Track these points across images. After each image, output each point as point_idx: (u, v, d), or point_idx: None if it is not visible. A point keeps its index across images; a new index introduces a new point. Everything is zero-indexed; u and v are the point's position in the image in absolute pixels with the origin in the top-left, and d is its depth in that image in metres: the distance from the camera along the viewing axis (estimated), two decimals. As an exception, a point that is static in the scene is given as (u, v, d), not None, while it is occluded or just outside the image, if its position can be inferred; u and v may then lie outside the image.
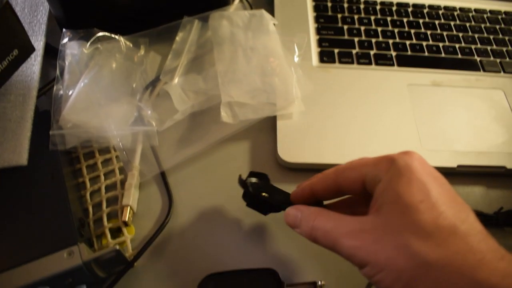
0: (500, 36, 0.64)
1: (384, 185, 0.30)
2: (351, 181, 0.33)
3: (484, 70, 0.59)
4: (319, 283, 0.41)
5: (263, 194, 0.41)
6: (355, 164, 0.34)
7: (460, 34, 0.63)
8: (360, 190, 0.33)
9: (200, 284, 0.41)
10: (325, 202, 0.39)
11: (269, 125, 0.53)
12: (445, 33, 0.63)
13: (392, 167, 0.30)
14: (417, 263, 0.26)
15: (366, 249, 0.28)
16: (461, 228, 0.27)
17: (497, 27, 0.65)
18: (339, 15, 0.64)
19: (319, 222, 0.32)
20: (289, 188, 0.49)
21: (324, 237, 0.31)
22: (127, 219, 0.44)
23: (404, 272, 0.27)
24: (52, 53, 0.53)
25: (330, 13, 0.64)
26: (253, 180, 0.42)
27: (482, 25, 0.65)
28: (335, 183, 0.35)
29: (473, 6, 0.68)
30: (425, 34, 0.63)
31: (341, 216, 0.32)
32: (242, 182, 0.41)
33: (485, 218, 0.48)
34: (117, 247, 0.38)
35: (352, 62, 0.58)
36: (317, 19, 0.63)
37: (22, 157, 0.43)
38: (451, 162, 0.49)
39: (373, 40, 0.61)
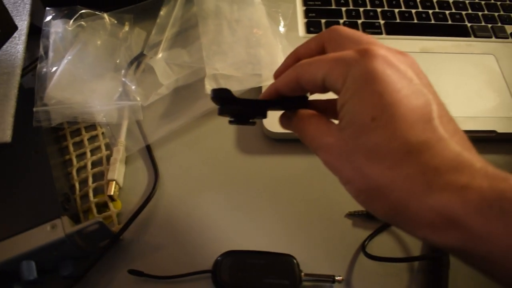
0: (492, 0, 0.62)
1: (341, 100, 0.28)
2: (312, 83, 0.30)
3: (476, 36, 0.58)
4: (337, 277, 0.40)
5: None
6: (313, 63, 0.30)
7: (450, 0, 0.62)
8: (323, 89, 0.30)
9: (218, 258, 0.41)
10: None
11: (255, 97, 0.52)
12: (434, 0, 0.62)
13: (349, 78, 0.27)
14: (371, 186, 0.26)
15: (333, 164, 0.28)
16: (416, 147, 0.24)
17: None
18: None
19: (304, 132, 0.31)
20: (276, 160, 0.49)
21: (310, 145, 0.31)
22: (112, 193, 0.44)
23: (361, 191, 0.27)
24: (38, 33, 0.52)
25: (317, -17, 0.62)
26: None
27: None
28: (297, 84, 0.32)
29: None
30: (414, 1, 0.61)
31: (320, 124, 0.30)
32: (215, 95, 0.34)
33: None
34: (101, 219, 0.38)
35: (340, 32, 0.57)
36: (304, -10, 0.62)
37: (6, 134, 0.43)
38: (440, 128, 0.48)
39: (361, 9, 0.60)
